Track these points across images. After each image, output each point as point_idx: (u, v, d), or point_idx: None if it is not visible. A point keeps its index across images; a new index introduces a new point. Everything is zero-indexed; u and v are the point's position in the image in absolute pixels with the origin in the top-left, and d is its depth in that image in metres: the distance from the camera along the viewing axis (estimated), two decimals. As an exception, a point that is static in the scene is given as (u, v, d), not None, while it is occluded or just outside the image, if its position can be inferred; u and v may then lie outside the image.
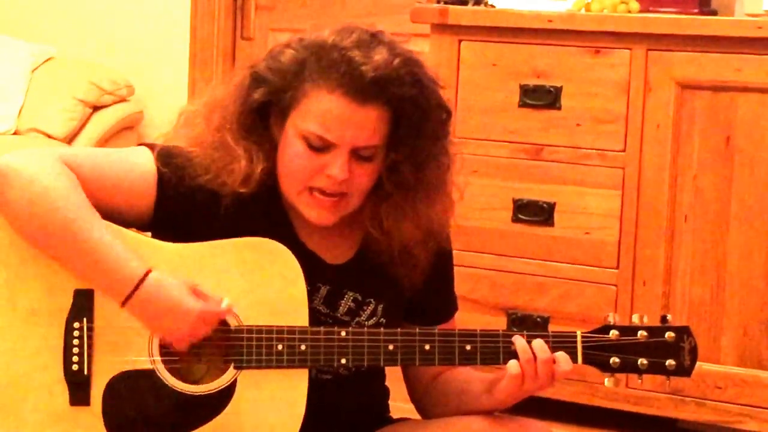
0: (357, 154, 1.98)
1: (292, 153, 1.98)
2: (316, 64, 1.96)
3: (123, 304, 1.94)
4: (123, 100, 4.85)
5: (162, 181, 2.01)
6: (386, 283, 2.10)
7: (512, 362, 1.98)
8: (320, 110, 1.95)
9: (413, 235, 2.06)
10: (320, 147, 1.97)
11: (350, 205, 2.02)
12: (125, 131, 4.86)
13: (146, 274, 1.93)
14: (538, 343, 1.98)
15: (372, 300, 2.09)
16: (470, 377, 2.11)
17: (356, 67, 1.94)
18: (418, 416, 2.19)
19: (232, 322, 1.98)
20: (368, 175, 2.00)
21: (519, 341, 1.99)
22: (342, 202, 2.00)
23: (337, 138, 1.96)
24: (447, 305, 2.21)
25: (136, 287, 1.92)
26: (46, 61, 4.88)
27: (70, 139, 4.65)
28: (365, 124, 1.96)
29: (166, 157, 2.03)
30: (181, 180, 2.02)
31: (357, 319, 2.08)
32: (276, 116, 2.01)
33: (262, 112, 2.02)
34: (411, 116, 1.99)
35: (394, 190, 2.03)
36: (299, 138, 1.97)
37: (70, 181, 1.95)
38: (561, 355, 1.98)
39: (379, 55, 1.95)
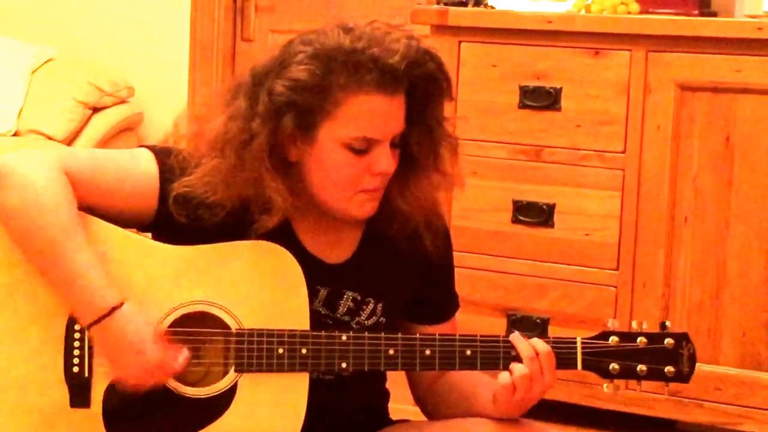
0: (392, 142, 2.00)
1: (337, 164, 1.97)
2: (344, 71, 1.94)
3: (88, 327, 1.93)
4: (123, 101, 4.85)
5: (164, 182, 2.01)
6: (385, 281, 2.10)
7: (516, 365, 1.97)
8: (361, 114, 1.95)
9: (426, 204, 2.08)
10: (364, 149, 1.97)
11: (383, 192, 2.04)
12: (125, 133, 4.86)
13: (118, 306, 1.92)
14: (536, 341, 1.99)
15: (371, 299, 2.09)
16: (477, 381, 2.10)
17: (385, 62, 1.94)
18: (417, 419, 2.19)
19: (233, 325, 1.98)
20: (397, 158, 2.03)
21: (521, 344, 1.99)
22: (382, 190, 2.03)
23: (382, 134, 1.97)
24: (448, 303, 2.21)
25: (105, 315, 1.91)
26: (46, 62, 4.88)
27: (69, 141, 4.65)
28: (399, 112, 1.98)
29: (167, 157, 2.02)
30: (174, 186, 2.00)
31: (357, 318, 2.08)
32: (296, 136, 1.98)
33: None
34: (427, 88, 2.01)
35: (417, 156, 2.04)
36: (341, 147, 1.97)
37: (63, 193, 1.94)
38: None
39: (397, 43, 1.96)
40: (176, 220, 2.00)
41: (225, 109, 2.00)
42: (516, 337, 2.00)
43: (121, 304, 1.92)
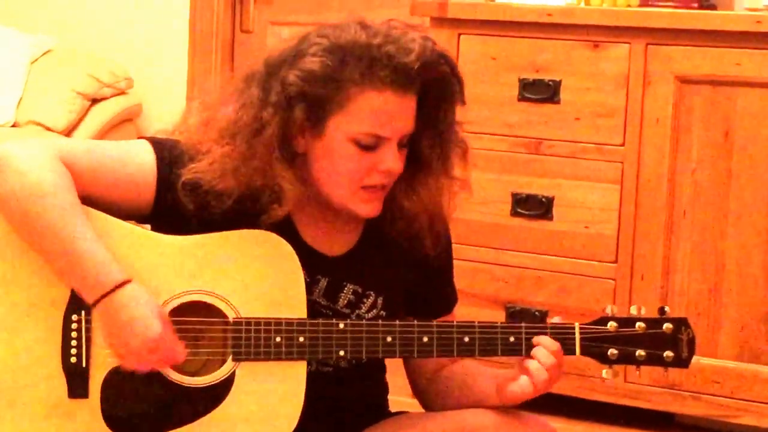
0: (400, 143, 2.00)
1: (343, 158, 1.98)
2: (357, 66, 1.95)
3: (93, 304, 1.93)
4: (122, 92, 4.84)
5: (161, 174, 2.01)
6: (386, 275, 2.11)
7: (538, 371, 1.97)
8: (371, 110, 1.96)
9: (431, 207, 2.08)
10: (371, 145, 1.97)
11: (388, 191, 2.04)
12: (124, 124, 4.85)
13: (124, 283, 1.92)
14: (544, 338, 1.99)
15: (372, 292, 2.10)
16: (476, 372, 2.11)
17: (400, 60, 1.95)
18: (416, 411, 2.19)
19: (231, 315, 1.98)
20: (404, 160, 2.03)
21: (540, 351, 1.99)
22: (386, 190, 2.03)
23: (390, 132, 1.97)
24: (447, 297, 2.21)
25: (110, 291, 1.91)
26: (46, 53, 4.87)
27: (68, 132, 4.64)
28: (409, 112, 1.99)
29: (165, 149, 2.02)
30: (181, 172, 2.01)
31: (357, 311, 2.09)
32: (306, 128, 1.98)
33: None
34: (440, 91, 2.02)
35: (427, 158, 2.05)
36: (349, 142, 1.97)
37: (62, 179, 1.94)
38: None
39: (413, 43, 1.96)
40: (180, 209, 2.00)
41: (238, 97, 2.01)
42: (544, 341, 2.00)
43: (128, 281, 1.92)
